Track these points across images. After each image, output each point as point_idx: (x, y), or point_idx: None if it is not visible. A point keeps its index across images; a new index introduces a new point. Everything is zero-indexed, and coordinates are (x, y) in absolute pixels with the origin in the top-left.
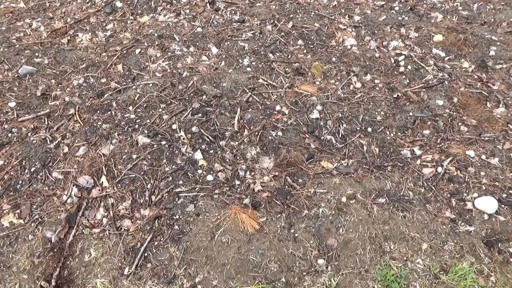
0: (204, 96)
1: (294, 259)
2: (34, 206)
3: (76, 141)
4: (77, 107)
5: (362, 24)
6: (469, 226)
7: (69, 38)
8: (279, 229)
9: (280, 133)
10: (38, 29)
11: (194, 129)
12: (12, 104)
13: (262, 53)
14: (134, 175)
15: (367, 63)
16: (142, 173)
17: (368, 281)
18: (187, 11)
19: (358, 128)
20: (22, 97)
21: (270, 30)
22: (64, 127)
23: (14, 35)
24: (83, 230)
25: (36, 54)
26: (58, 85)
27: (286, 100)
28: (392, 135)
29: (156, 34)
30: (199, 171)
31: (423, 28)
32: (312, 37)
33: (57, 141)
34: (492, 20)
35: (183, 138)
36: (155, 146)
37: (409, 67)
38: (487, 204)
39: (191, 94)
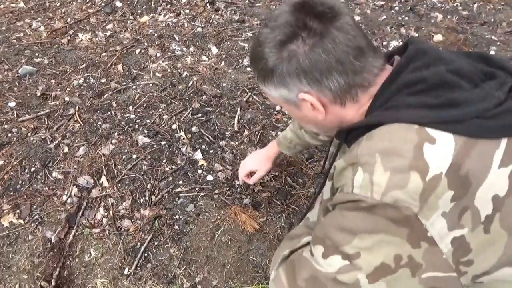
0: (204, 96)
1: None
2: (34, 206)
3: (76, 141)
4: (77, 107)
5: (362, 24)
6: None
7: (69, 38)
8: (279, 229)
9: (280, 133)
10: (38, 29)
11: (194, 129)
12: (12, 104)
13: None
14: (134, 175)
15: None
16: (142, 173)
17: None
18: (187, 11)
19: None
20: (22, 97)
21: None
22: (64, 127)
23: (14, 35)
24: (83, 230)
25: (36, 54)
26: (58, 85)
27: None
28: None
29: (156, 34)
30: (199, 171)
31: (423, 28)
32: None
33: (57, 141)
34: (492, 20)
35: (183, 138)
36: (155, 146)
37: None
38: None
39: (191, 94)
